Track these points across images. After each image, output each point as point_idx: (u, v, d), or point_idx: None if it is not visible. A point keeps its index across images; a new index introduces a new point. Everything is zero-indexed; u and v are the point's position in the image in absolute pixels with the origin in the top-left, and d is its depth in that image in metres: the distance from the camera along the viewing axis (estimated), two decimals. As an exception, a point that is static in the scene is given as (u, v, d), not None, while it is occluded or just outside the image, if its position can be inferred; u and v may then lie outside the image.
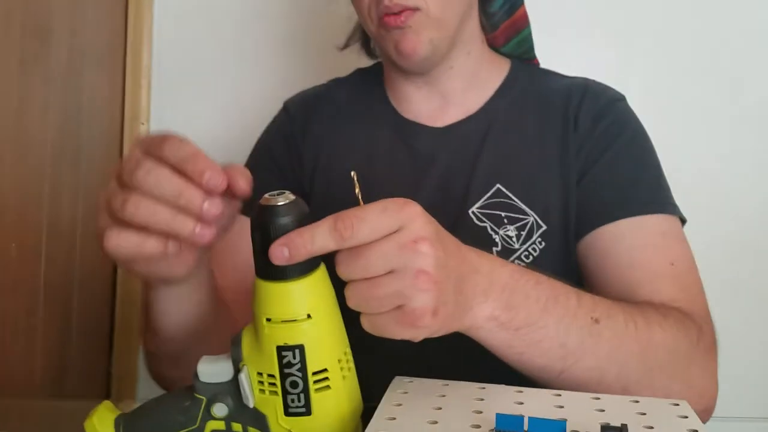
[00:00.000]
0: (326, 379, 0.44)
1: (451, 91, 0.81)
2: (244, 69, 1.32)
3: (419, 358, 0.59)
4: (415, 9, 0.72)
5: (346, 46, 0.92)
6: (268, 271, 0.43)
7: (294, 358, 0.43)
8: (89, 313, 1.18)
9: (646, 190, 0.73)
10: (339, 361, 0.45)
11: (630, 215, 0.70)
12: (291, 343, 0.43)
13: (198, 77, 1.33)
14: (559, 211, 0.74)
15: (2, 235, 0.89)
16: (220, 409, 0.46)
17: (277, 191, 0.44)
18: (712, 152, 1.27)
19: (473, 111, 0.81)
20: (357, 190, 0.46)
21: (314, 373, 0.44)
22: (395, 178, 0.78)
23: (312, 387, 0.44)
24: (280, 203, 0.43)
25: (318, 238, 0.42)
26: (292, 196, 0.43)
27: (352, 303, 0.44)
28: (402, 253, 0.43)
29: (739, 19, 1.26)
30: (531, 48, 0.88)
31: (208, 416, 0.47)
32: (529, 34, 0.87)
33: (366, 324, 0.45)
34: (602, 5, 1.27)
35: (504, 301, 0.50)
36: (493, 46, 0.86)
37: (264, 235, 0.43)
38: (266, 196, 0.43)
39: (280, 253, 0.42)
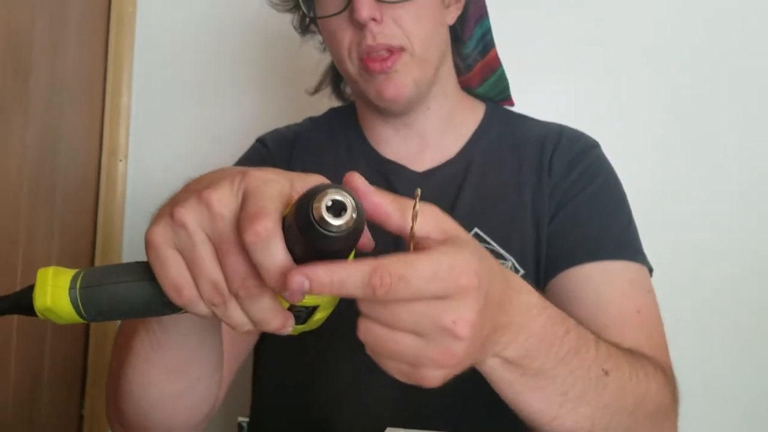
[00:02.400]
0: (322, 309, 0.43)
1: (429, 133, 0.82)
2: (220, 107, 1.32)
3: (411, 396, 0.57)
4: (401, 49, 0.73)
5: (316, 90, 0.92)
6: (302, 262, 0.38)
7: (305, 309, 0.42)
8: (62, 355, 1.15)
9: (615, 237, 0.74)
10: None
11: (598, 259, 0.71)
12: (308, 304, 0.42)
13: (176, 115, 1.32)
14: (533, 256, 0.75)
15: (-24, 278, 0.86)
16: None
17: (335, 191, 0.35)
18: (686, 192, 1.29)
19: (451, 155, 0.82)
20: (414, 210, 0.40)
21: (317, 315, 0.43)
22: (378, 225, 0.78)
23: (313, 317, 0.43)
24: (335, 231, 0.35)
25: (348, 285, 0.37)
26: (352, 215, 0.35)
27: (361, 336, 0.40)
28: (436, 328, 0.39)
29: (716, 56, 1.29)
30: (506, 87, 0.89)
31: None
32: (503, 73, 0.88)
33: (370, 352, 0.41)
34: (574, 43, 1.28)
35: (525, 349, 0.48)
36: (468, 87, 0.87)
37: (303, 245, 0.37)
38: (323, 205, 0.35)
39: (300, 284, 0.36)
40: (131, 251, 1.30)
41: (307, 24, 0.86)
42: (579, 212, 0.75)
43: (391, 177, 0.80)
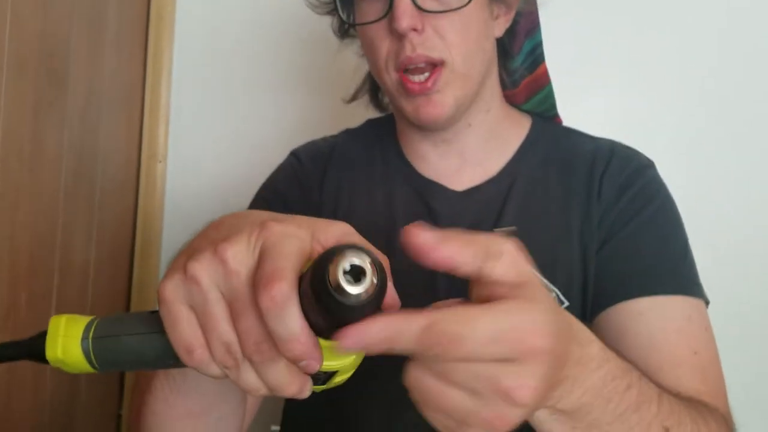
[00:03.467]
0: (342, 372, 0.41)
1: (469, 150, 0.77)
2: (260, 109, 1.31)
3: None
4: (440, 62, 0.68)
5: (353, 99, 0.88)
6: (323, 331, 0.35)
7: (324, 374, 0.39)
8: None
9: (670, 268, 0.68)
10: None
11: (651, 294, 0.66)
12: (325, 371, 0.39)
13: (216, 116, 1.31)
14: (580, 286, 0.69)
15: (13, 284, 0.86)
16: None
17: (353, 253, 0.32)
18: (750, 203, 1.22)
19: (493, 173, 0.76)
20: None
21: (335, 380, 0.41)
22: None
23: (332, 380, 0.41)
24: (353, 300, 0.32)
25: (402, 342, 0.33)
26: (372, 281, 0.32)
27: (409, 384, 0.36)
28: (493, 391, 0.34)
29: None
30: (553, 105, 0.83)
31: None
32: (551, 90, 0.82)
33: (415, 399, 0.37)
34: (630, 51, 1.22)
35: (580, 402, 0.43)
36: (513, 103, 0.82)
37: (319, 311, 0.34)
38: (339, 270, 0.32)
39: (352, 343, 0.33)
40: (170, 255, 1.30)
41: (346, 29, 0.82)
42: (631, 241, 0.69)
43: (429, 197, 0.76)
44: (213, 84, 1.31)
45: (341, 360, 0.39)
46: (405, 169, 0.79)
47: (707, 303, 0.69)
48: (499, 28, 0.75)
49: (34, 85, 0.89)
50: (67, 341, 0.42)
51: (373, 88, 0.86)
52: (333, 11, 0.79)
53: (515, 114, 0.81)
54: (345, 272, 0.32)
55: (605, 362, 0.44)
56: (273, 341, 0.36)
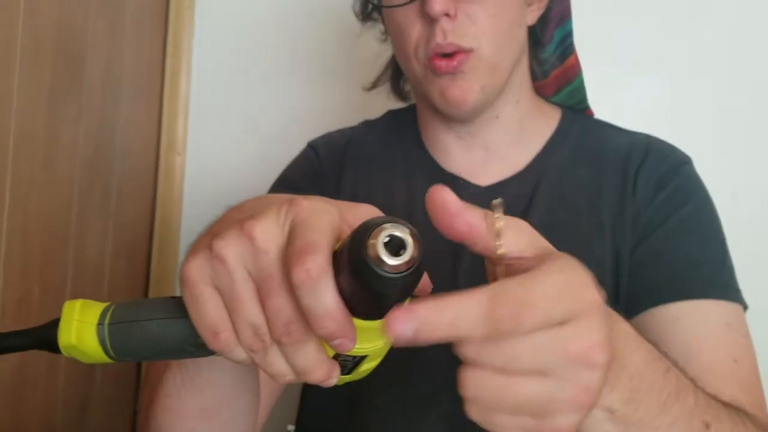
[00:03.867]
0: (376, 360, 0.39)
1: (495, 144, 0.74)
2: (282, 100, 1.28)
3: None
4: (469, 50, 0.65)
5: (373, 86, 0.85)
6: (357, 309, 0.33)
7: (352, 359, 0.38)
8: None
9: (707, 271, 0.65)
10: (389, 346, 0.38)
11: (688, 298, 0.63)
12: (354, 355, 0.37)
13: (235, 107, 1.29)
14: (611, 289, 0.66)
15: (25, 277, 0.84)
16: None
17: (393, 226, 0.30)
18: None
19: (520, 167, 0.73)
20: (496, 227, 0.33)
21: (363, 366, 0.39)
22: (436, 240, 0.70)
23: (359, 368, 0.39)
24: (393, 273, 0.30)
25: (463, 324, 0.30)
26: (413, 254, 0.30)
27: (469, 393, 0.32)
28: (568, 361, 0.31)
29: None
30: (584, 98, 0.79)
31: None
32: (581, 83, 0.78)
33: (478, 412, 0.33)
34: (664, 37, 1.17)
35: (629, 391, 0.39)
36: (542, 95, 0.78)
37: (354, 287, 0.32)
38: (379, 242, 0.30)
39: (402, 330, 0.30)
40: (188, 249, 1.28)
41: (370, 11, 0.80)
42: (667, 242, 0.66)
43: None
44: (233, 75, 1.28)
45: (372, 343, 0.36)
46: (426, 163, 0.76)
47: (745, 308, 0.65)
48: (532, 15, 0.72)
49: (50, 73, 0.86)
50: (81, 326, 0.40)
51: (394, 75, 0.83)
52: None
53: (544, 106, 0.78)
54: (385, 245, 0.30)
55: (642, 341, 0.41)
56: (303, 322, 0.34)
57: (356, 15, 0.81)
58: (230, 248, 0.35)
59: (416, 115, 0.81)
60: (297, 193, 0.77)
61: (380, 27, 0.82)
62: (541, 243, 0.35)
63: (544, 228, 0.70)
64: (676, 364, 0.44)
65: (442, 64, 0.65)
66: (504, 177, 0.73)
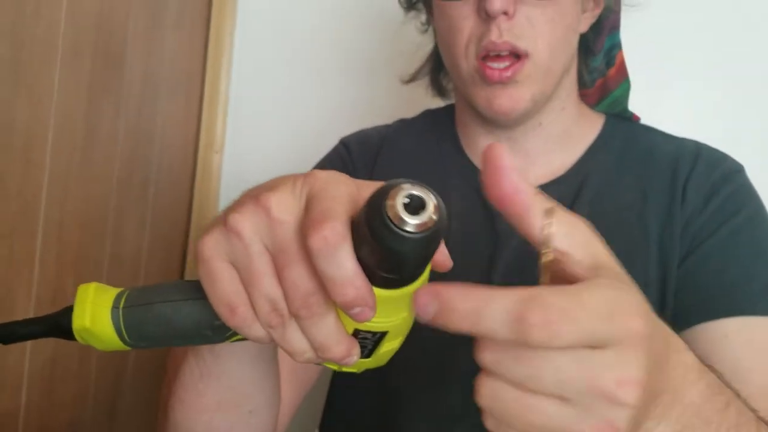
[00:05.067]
0: (394, 349, 0.38)
1: (536, 151, 0.71)
2: (322, 97, 1.27)
3: None
4: (524, 54, 0.63)
5: (412, 79, 0.83)
6: (376, 277, 0.32)
7: (372, 337, 0.36)
8: (147, 351, 1.14)
9: (759, 286, 0.62)
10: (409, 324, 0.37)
11: (738, 314, 0.60)
12: (375, 330, 0.36)
13: (275, 107, 1.29)
14: (657, 302, 0.63)
15: (60, 271, 0.85)
16: None
17: (411, 186, 0.30)
18: None
19: (561, 172, 0.70)
20: (549, 220, 0.31)
21: (385, 345, 0.37)
22: (470, 246, 0.68)
23: (380, 349, 0.38)
24: (412, 232, 0.29)
25: (486, 319, 0.28)
26: (432, 215, 0.30)
27: (484, 402, 0.30)
28: (594, 392, 0.28)
29: None
30: (625, 109, 0.76)
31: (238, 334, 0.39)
32: (623, 93, 0.75)
33: (493, 423, 0.31)
34: (708, 48, 1.13)
35: (680, 426, 0.36)
36: (586, 104, 0.76)
37: (372, 251, 0.31)
38: (398, 201, 0.29)
39: (425, 308, 0.29)
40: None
41: (414, 1, 0.77)
42: (718, 254, 0.63)
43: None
44: (273, 75, 1.28)
45: (391, 317, 0.35)
46: (463, 165, 0.74)
47: None
48: (585, 22, 0.70)
49: (90, 68, 0.87)
50: (96, 309, 0.39)
51: (435, 69, 0.80)
52: None
53: (588, 112, 0.75)
54: (405, 205, 0.29)
55: (703, 374, 0.37)
56: (322, 293, 0.33)
57: (400, 2, 0.79)
58: (246, 221, 0.34)
59: (454, 115, 0.78)
60: None
61: (422, 17, 0.79)
62: (597, 249, 0.33)
63: None
64: (738, 396, 0.42)
65: (494, 73, 0.63)
66: (543, 182, 0.70)
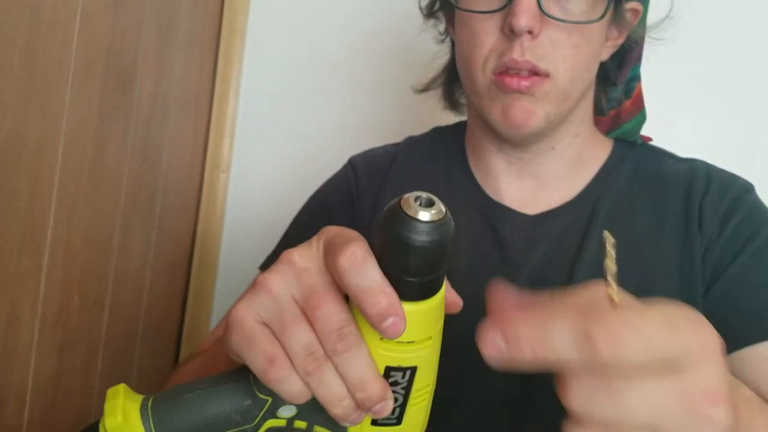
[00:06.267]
0: (426, 394, 0.40)
1: (548, 175, 0.70)
2: (328, 119, 1.28)
3: None
4: (545, 75, 0.62)
5: (425, 89, 0.81)
6: (402, 288, 0.35)
7: (402, 378, 0.38)
8: (150, 369, 1.14)
9: None
10: (435, 375, 0.40)
11: None
12: (405, 365, 0.37)
13: (281, 129, 1.30)
14: None
15: (66, 287, 0.86)
16: (286, 410, 0.39)
17: (420, 192, 0.34)
18: None
19: (570, 197, 0.69)
20: (609, 262, 0.31)
21: (417, 390, 0.39)
22: (479, 273, 0.66)
23: (411, 402, 0.39)
24: (425, 222, 0.33)
25: (555, 343, 0.28)
26: (441, 208, 0.34)
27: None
28: (686, 410, 0.27)
29: None
30: (635, 142, 0.75)
31: (270, 416, 0.40)
32: (634, 127, 0.74)
33: None
34: (722, 63, 1.14)
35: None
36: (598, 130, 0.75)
37: (391, 253, 0.34)
38: (411, 199, 0.33)
39: (494, 347, 0.29)
40: (228, 266, 1.29)
41: (437, 9, 0.75)
42: (743, 278, 0.62)
43: (497, 222, 0.69)
44: (280, 97, 1.30)
45: (419, 339, 0.36)
46: (470, 189, 0.73)
47: None
48: (606, 51, 0.69)
49: (101, 87, 0.88)
50: (127, 404, 0.40)
51: (448, 81, 0.79)
52: None
53: (599, 136, 0.74)
54: (416, 201, 0.33)
55: (765, 408, 0.39)
56: (354, 325, 0.35)
57: (421, 9, 0.77)
58: (274, 276, 0.36)
59: (464, 134, 0.77)
60: (327, 216, 0.75)
61: (440, 26, 0.78)
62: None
63: (600, 264, 0.67)
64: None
65: (512, 82, 0.61)
66: (554, 206, 0.69)
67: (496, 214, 0.70)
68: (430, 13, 0.76)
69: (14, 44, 0.71)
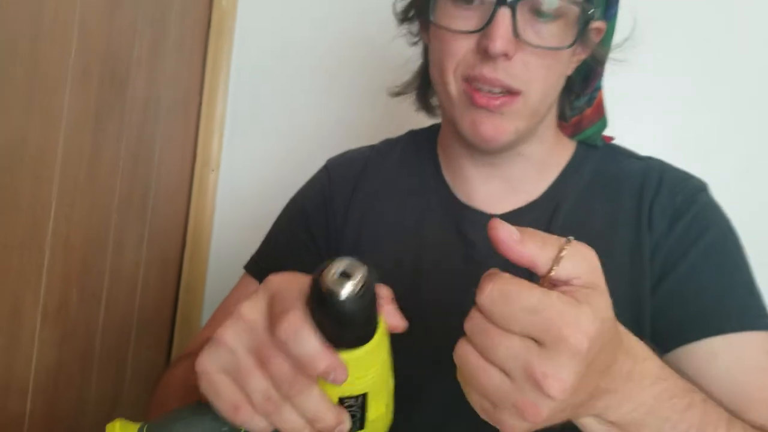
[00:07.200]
0: (381, 403, 0.45)
1: (516, 178, 0.73)
2: (313, 118, 1.32)
3: None
4: (517, 93, 0.63)
5: (399, 93, 0.82)
6: (339, 342, 0.40)
7: (356, 401, 0.43)
8: (144, 360, 1.18)
9: (738, 303, 0.63)
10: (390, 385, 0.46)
11: (722, 332, 0.61)
12: (355, 393, 0.43)
13: (269, 127, 1.34)
14: (631, 326, 0.65)
15: (66, 282, 0.89)
16: None
17: (339, 261, 0.38)
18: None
19: (535, 197, 0.72)
20: (559, 255, 0.39)
21: (373, 404, 0.44)
22: (444, 273, 0.70)
23: (369, 415, 0.44)
24: (343, 297, 0.37)
25: (483, 291, 0.38)
26: (357, 283, 0.37)
27: (457, 359, 0.40)
28: (525, 375, 0.37)
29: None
30: (595, 147, 0.78)
31: None
32: (595, 133, 0.77)
33: (460, 378, 0.41)
34: (682, 69, 1.20)
35: (631, 417, 0.43)
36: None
37: (325, 321, 0.39)
38: (329, 275, 0.37)
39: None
40: (218, 260, 1.33)
41: (410, 16, 0.76)
42: (691, 276, 0.64)
43: (465, 224, 0.73)
44: (267, 97, 1.34)
45: (365, 375, 0.41)
46: (442, 192, 0.76)
47: None
48: (572, 67, 0.71)
49: (97, 91, 0.92)
50: None
51: (422, 86, 0.80)
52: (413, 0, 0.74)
53: (563, 140, 0.78)
54: (335, 277, 0.37)
55: (661, 380, 0.44)
56: (302, 373, 0.39)
57: (395, 15, 0.77)
58: (227, 330, 0.42)
59: (437, 137, 0.80)
60: (305, 220, 0.80)
61: (413, 28, 0.78)
62: (595, 277, 0.40)
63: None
64: (707, 401, 0.48)
65: (482, 100, 0.63)
66: (520, 206, 0.72)
67: (465, 216, 0.73)
68: (404, 18, 0.77)
69: (17, 53, 0.74)
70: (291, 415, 0.41)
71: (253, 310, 0.42)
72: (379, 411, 0.44)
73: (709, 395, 0.57)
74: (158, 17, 1.10)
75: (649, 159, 0.74)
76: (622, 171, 0.72)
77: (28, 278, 0.81)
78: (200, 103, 1.30)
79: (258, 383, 0.41)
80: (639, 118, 1.18)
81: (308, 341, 0.38)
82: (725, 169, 1.14)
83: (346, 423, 0.43)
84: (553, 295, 0.37)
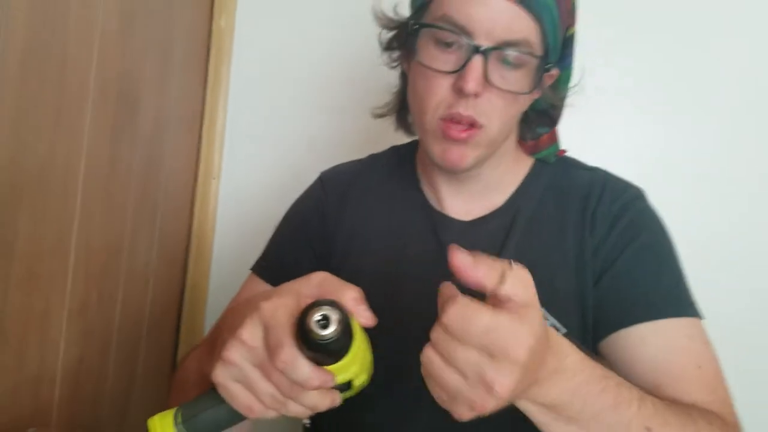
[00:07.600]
0: (363, 376, 0.56)
1: (478, 192, 0.83)
2: (307, 131, 1.41)
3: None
4: (480, 126, 0.72)
5: (381, 115, 0.91)
6: (326, 362, 0.51)
7: (344, 385, 0.55)
8: (154, 354, 1.27)
9: (665, 294, 0.73)
10: (368, 362, 0.56)
11: (651, 319, 0.70)
12: (342, 382, 0.54)
13: (266, 137, 1.42)
14: (577, 314, 0.75)
15: (87, 284, 0.97)
16: None
17: (320, 308, 0.49)
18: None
19: (496, 206, 0.82)
20: (506, 274, 0.48)
21: (356, 381, 0.55)
22: (424, 273, 0.78)
23: (354, 384, 0.55)
24: (325, 339, 0.48)
25: (445, 306, 0.48)
26: (336, 327, 0.48)
27: (423, 360, 0.49)
28: (478, 378, 0.46)
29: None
30: (550, 161, 0.88)
31: None
32: (549, 153, 0.86)
33: (424, 372, 0.50)
34: (648, 76, 1.29)
35: (559, 400, 0.53)
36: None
37: (322, 354, 0.50)
38: (311, 321, 0.48)
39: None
40: (220, 261, 1.42)
41: (393, 46, 0.84)
42: (627, 271, 0.74)
43: (439, 228, 0.83)
44: (265, 110, 1.42)
45: (346, 373, 0.53)
46: (419, 200, 0.86)
47: (702, 318, 0.73)
48: (527, 104, 0.80)
49: (113, 110, 1.00)
50: (165, 429, 0.57)
51: (401, 109, 0.88)
52: (395, 29, 0.82)
53: (522, 156, 0.87)
54: (317, 322, 0.48)
55: (579, 372, 0.54)
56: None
57: (380, 43, 0.84)
58: (234, 353, 0.53)
59: (416, 153, 0.90)
60: (304, 228, 0.92)
61: (393, 54, 0.84)
62: (530, 295, 0.49)
63: (518, 260, 0.83)
64: (620, 384, 0.57)
65: (454, 133, 0.72)
66: (483, 214, 0.82)
67: (439, 222, 0.84)
68: (388, 47, 0.85)
69: (47, 78, 0.82)
70: (295, 407, 0.53)
71: (252, 336, 0.52)
72: (362, 380, 0.55)
73: (640, 374, 0.68)
74: (165, 39, 1.18)
75: (595, 170, 0.84)
76: (571, 182, 0.82)
77: (56, 282, 0.89)
78: (202, 118, 1.39)
79: (265, 389, 0.52)
80: (605, 129, 1.27)
81: (301, 369, 0.50)
82: (682, 175, 1.24)
83: (339, 400, 0.54)
84: (501, 316, 0.46)
